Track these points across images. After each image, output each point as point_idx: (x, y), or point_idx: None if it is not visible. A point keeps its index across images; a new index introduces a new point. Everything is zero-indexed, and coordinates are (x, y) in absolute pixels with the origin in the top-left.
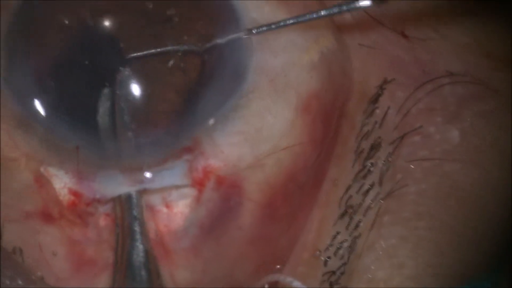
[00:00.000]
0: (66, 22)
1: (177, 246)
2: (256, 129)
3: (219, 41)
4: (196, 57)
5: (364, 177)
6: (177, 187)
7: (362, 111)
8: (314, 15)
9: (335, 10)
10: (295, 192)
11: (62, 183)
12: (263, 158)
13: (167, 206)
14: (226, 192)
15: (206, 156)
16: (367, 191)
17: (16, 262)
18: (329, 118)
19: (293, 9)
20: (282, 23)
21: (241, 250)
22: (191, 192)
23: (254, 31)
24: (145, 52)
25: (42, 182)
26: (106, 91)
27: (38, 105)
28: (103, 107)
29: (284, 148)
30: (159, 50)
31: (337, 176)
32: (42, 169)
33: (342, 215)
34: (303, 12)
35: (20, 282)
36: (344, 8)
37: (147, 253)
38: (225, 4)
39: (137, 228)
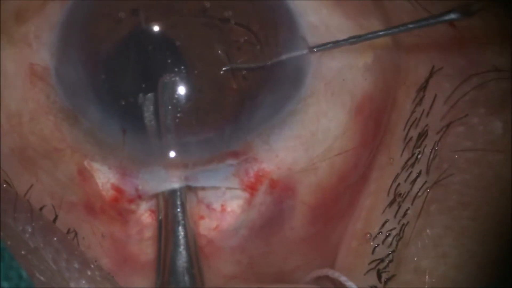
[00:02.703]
0: (122, 16)
1: (226, 244)
2: (312, 133)
3: (284, 57)
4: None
5: (412, 165)
6: (227, 188)
7: (410, 99)
8: (381, 33)
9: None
10: (346, 191)
11: (105, 178)
12: (317, 161)
13: (222, 205)
14: (279, 195)
15: (259, 160)
16: (415, 179)
17: (72, 245)
18: (381, 117)
19: (349, 11)
20: (343, 42)
21: (291, 248)
22: (243, 194)
23: (315, 50)
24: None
25: (85, 175)
26: (155, 89)
27: (86, 98)
28: (149, 107)
29: (338, 154)
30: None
31: (386, 164)
32: (85, 163)
33: (391, 203)
34: (357, 13)
35: (76, 265)
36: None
37: (191, 258)
38: (282, 7)
39: (180, 233)
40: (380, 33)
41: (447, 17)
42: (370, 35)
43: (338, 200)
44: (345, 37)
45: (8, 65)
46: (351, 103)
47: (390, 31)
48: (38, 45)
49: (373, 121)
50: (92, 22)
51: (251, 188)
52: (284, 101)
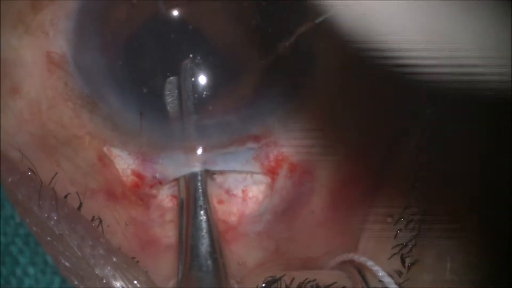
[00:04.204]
0: (139, 0)
1: (251, 230)
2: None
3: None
4: (271, 47)
5: None
6: (248, 173)
7: None
8: None
9: None
10: (367, 173)
11: (125, 164)
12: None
13: (243, 190)
14: (299, 178)
15: (279, 144)
16: None
17: (97, 232)
18: None
19: None
20: None
21: (314, 232)
22: (264, 179)
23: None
24: None
25: (105, 161)
26: (175, 74)
27: (104, 84)
28: (168, 92)
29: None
30: None
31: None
32: (105, 149)
33: (412, 187)
34: None
35: (101, 252)
36: None
37: (213, 242)
38: None
39: (203, 217)
40: None
41: None
42: None
43: (358, 182)
44: None
45: (25, 53)
46: None
47: None
48: (55, 32)
49: None
50: (109, 8)
51: (272, 172)
52: (300, 83)
